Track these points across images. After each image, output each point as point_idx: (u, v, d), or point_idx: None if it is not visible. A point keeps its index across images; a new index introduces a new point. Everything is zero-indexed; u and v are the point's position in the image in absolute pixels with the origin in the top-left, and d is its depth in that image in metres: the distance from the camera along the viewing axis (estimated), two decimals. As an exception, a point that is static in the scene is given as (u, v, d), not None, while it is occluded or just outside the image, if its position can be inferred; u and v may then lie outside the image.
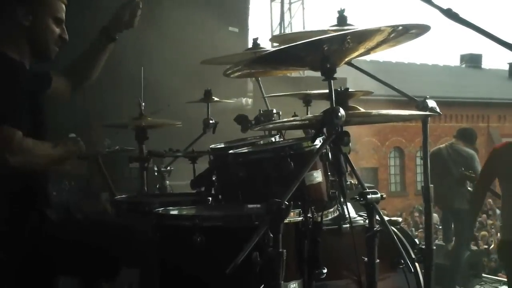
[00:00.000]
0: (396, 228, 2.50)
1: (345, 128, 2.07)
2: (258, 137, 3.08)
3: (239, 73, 2.47)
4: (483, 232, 13.76)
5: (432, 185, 2.58)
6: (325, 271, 2.12)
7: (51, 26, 2.38)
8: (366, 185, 2.12)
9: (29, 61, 2.39)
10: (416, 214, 17.75)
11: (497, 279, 7.31)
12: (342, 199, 2.38)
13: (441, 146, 7.68)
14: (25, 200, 2.23)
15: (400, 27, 1.98)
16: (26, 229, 2.19)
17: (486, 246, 12.26)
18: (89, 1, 5.98)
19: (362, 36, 2.04)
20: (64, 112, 2.38)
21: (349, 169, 2.16)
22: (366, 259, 2.06)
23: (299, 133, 3.06)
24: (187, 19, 6.82)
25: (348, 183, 2.39)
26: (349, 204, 2.36)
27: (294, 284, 2.08)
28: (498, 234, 12.64)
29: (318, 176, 2.33)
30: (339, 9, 2.18)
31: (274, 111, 3.09)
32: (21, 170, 2.15)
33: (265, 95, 3.56)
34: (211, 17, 7.06)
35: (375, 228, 2.03)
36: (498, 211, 19.25)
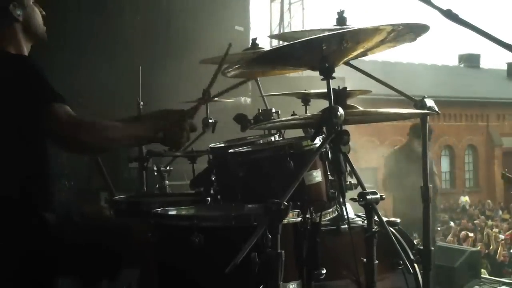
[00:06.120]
0: (394, 229, 2.50)
1: (344, 127, 2.07)
2: (258, 136, 3.08)
3: (237, 72, 2.46)
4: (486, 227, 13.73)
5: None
6: (324, 271, 2.12)
7: (36, 10, 2.42)
8: (365, 185, 2.12)
9: (27, 52, 2.41)
10: (415, 214, 17.74)
11: (496, 279, 7.31)
12: (341, 199, 2.38)
13: (395, 148, 7.37)
14: (26, 205, 2.23)
15: (400, 27, 1.98)
16: (26, 233, 2.18)
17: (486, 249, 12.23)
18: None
19: (361, 35, 2.04)
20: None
21: (348, 168, 2.16)
22: (365, 260, 2.06)
23: (299, 132, 3.05)
24: (193, 17, 6.85)
25: (348, 183, 2.39)
26: (348, 205, 2.36)
27: (293, 285, 2.08)
28: (495, 234, 12.67)
29: (317, 175, 2.33)
30: (339, 10, 2.18)
31: (273, 110, 3.09)
32: (93, 147, 2.20)
33: (263, 94, 3.55)
34: (217, 16, 7.09)
35: (373, 229, 2.03)
36: (500, 212, 19.27)
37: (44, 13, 2.46)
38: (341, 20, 2.12)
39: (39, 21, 2.42)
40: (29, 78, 2.17)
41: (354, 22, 2.45)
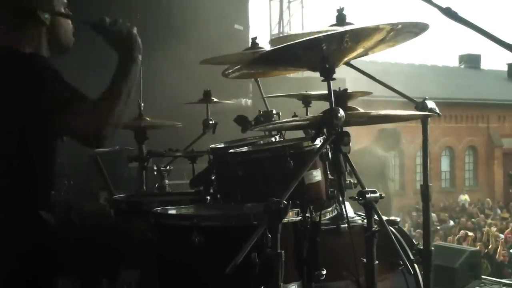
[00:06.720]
0: (394, 228, 2.50)
1: (345, 129, 2.07)
2: (258, 137, 3.08)
3: (238, 73, 2.46)
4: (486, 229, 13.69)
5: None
6: (324, 272, 2.11)
7: (67, 20, 2.42)
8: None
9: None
10: (414, 213, 17.73)
11: (497, 280, 7.29)
12: (340, 198, 2.38)
13: (356, 148, 7.45)
14: (26, 205, 2.22)
15: (399, 25, 1.98)
16: (26, 233, 2.18)
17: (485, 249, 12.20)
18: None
19: (361, 35, 2.04)
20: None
21: (348, 168, 2.16)
22: (365, 260, 2.05)
23: (300, 134, 3.05)
24: (192, 15, 6.84)
25: (348, 182, 2.39)
26: (347, 204, 2.36)
27: (294, 286, 2.08)
28: (493, 233, 12.64)
29: (317, 175, 2.33)
30: (338, 8, 2.17)
31: (274, 111, 3.09)
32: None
33: (264, 96, 3.56)
34: (216, 14, 7.08)
35: (373, 228, 2.03)
36: (498, 211, 19.27)
37: (72, 27, 2.45)
38: (340, 18, 2.11)
39: (67, 31, 2.41)
40: (46, 78, 2.17)
41: (354, 21, 2.45)
